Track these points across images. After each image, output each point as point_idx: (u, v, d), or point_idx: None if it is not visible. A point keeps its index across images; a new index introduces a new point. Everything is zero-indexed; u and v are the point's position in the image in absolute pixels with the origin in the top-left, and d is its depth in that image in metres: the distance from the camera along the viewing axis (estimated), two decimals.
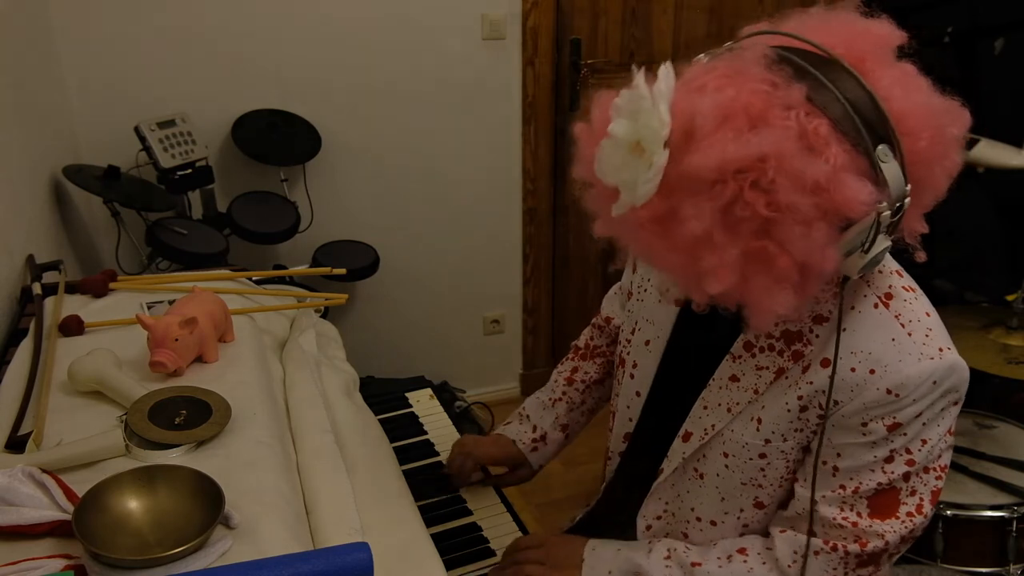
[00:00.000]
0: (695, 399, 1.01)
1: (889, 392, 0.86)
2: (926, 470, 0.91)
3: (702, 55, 0.82)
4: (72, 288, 1.26)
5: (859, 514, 0.92)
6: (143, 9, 2.16)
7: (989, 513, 1.62)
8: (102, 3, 2.12)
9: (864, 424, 0.89)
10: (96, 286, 1.24)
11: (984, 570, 1.66)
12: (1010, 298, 1.92)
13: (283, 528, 0.78)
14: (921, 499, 0.92)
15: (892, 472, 0.90)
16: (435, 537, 1.02)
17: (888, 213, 0.76)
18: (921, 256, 0.86)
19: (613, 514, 1.20)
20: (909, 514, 0.92)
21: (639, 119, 0.75)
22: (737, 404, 0.96)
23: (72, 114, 2.18)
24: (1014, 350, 1.83)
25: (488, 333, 2.92)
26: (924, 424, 0.88)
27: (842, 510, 0.93)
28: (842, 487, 0.92)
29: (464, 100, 2.57)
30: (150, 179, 2.12)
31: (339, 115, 2.43)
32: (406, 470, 1.20)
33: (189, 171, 2.13)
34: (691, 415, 1.02)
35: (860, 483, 0.91)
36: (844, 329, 0.88)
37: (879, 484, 0.90)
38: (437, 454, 1.44)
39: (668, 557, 1.02)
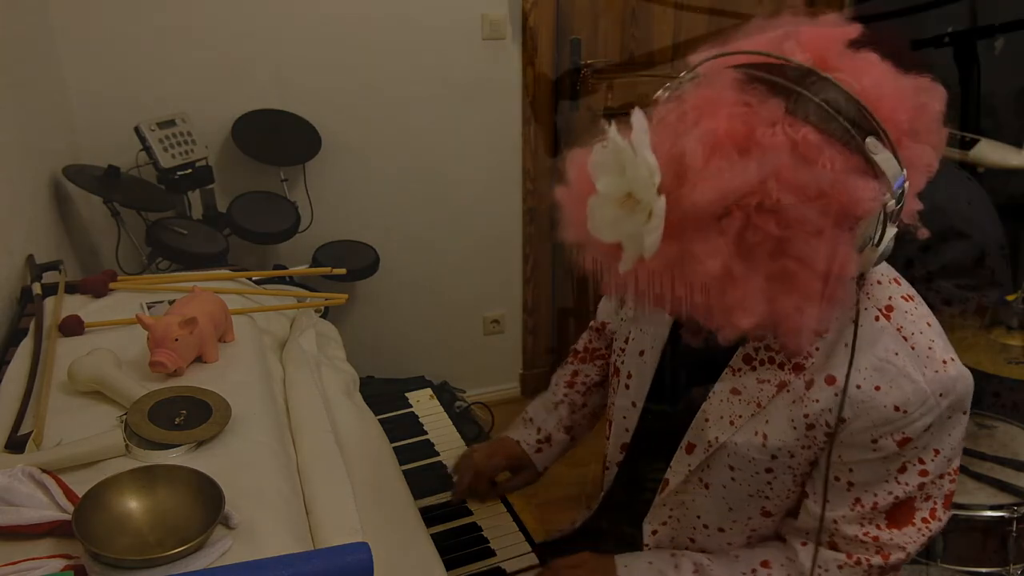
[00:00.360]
0: (695, 410, 1.00)
1: (897, 409, 0.86)
2: (940, 476, 0.91)
3: (660, 91, 0.80)
4: (72, 288, 1.26)
5: (878, 526, 0.92)
6: (143, 9, 2.16)
7: (989, 513, 1.62)
8: (102, 3, 2.12)
9: (874, 441, 0.88)
10: (96, 286, 1.24)
11: (984, 570, 1.66)
12: (1010, 298, 1.92)
13: (283, 528, 0.78)
14: (935, 504, 0.92)
15: (906, 483, 0.90)
16: (435, 537, 1.02)
17: (893, 202, 0.76)
18: (924, 233, 0.85)
19: (615, 521, 1.20)
20: (924, 520, 0.92)
21: (626, 171, 0.72)
22: (740, 417, 0.95)
23: (72, 114, 2.18)
24: (1014, 350, 1.83)
25: (488, 333, 2.92)
26: (933, 435, 0.88)
27: (863, 526, 0.93)
28: (860, 503, 0.92)
29: (464, 100, 2.57)
30: (150, 179, 2.12)
31: (339, 115, 2.43)
32: (406, 470, 1.19)
33: (189, 171, 2.13)
34: (693, 427, 1.00)
35: (876, 496, 0.91)
36: (858, 327, 0.86)
37: (896, 497, 0.90)
38: (437, 454, 1.44)
39: (696, 572, 1.03)
